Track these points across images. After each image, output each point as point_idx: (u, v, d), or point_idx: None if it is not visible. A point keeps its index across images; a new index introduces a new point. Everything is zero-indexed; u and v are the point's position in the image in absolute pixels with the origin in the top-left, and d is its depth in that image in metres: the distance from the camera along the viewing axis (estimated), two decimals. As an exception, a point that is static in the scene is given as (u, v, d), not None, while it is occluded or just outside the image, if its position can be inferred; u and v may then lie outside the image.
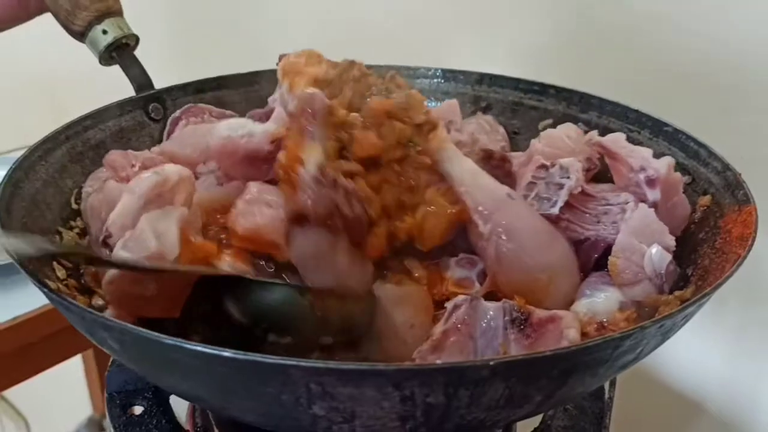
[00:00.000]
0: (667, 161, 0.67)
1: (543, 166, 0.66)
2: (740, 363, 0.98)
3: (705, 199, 0.69)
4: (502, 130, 0.87)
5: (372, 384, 0.44)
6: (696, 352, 1.00)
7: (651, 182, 0.66)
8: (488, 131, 0.84)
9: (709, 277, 0.61)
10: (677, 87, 0.94)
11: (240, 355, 0.43)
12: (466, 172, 0.64)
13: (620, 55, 0.98)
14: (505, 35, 1.11)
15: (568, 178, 0.65)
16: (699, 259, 0.65)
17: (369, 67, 0.92)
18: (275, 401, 0.47)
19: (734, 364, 0.99)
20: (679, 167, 0.74)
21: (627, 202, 0.65)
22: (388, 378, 0.43)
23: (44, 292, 0.53)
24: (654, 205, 0.65)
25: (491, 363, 0.43)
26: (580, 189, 0.65)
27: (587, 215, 0.65)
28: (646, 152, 0.68)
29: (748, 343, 0.97)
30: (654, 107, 0.80)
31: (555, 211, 0.65)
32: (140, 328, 0.46)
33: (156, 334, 0.45)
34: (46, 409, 1.95)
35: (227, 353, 0.43)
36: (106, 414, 0.70)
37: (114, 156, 0.73)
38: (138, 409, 0.70)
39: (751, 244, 0.57)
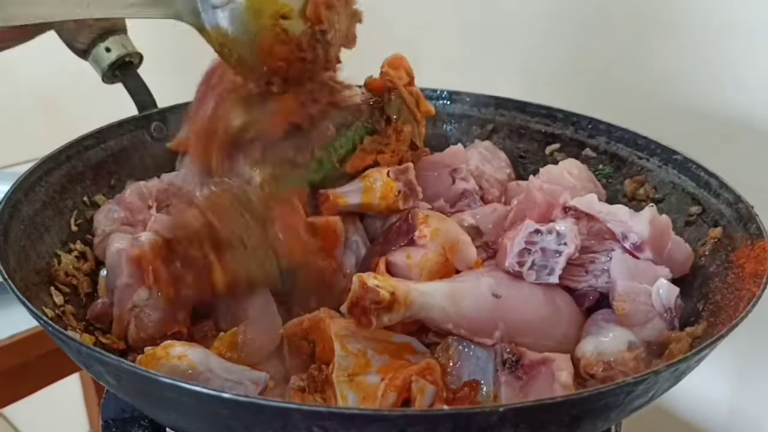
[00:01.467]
0: (647, 218, 0.65)
1: (536, 231, 0.63)
2: (746, 393, 0.97)
3: (716, 231, 0.68)
4: (503, 155, 0.85)
5: (376, 429, 0.42)
6: (702, 382, 0.99)
7: (637, 248, 0.64)
8: (490, 159, 0.82)
9: (721, 313, 0.59)
10: (686, 113, 0.92)
11: (241, 397, 0.42)
12: (443, 301, 0.59)
13: (629, 82, 0.97)
14: (513, 59, 1.10)
15: (566, 245, 0.62)
16: (710, 294, 0.64)
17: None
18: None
19: (740, 394, 0.97)
20: (689, 197, 0.73)
21: (612, 249, 0.64)
22: (392, 423, 0.42)
23: (41, 323, 0.52)
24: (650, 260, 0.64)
25: (500, 409, 0.41)
26: (577, 254, 0.63)
27: (575, 267, 0.64)
28: (623, 213, 0.65)
29: (755, 372, 0.96)
30: (663, 134, 0.79)
31: (554, 280, 0.62)
32: (136, 366, 0.45)
33: (153, 372, 0.44)
34: (43, 426, 1.93)
35: (227, 395, 0.42)
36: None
37: (130, 198, 0.73)
38: (134, 438, 0.68)
39: (766, 282, 0.56)
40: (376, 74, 0.75)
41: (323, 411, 0.42)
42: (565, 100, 0.86)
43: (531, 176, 0.76)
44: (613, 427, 0.72)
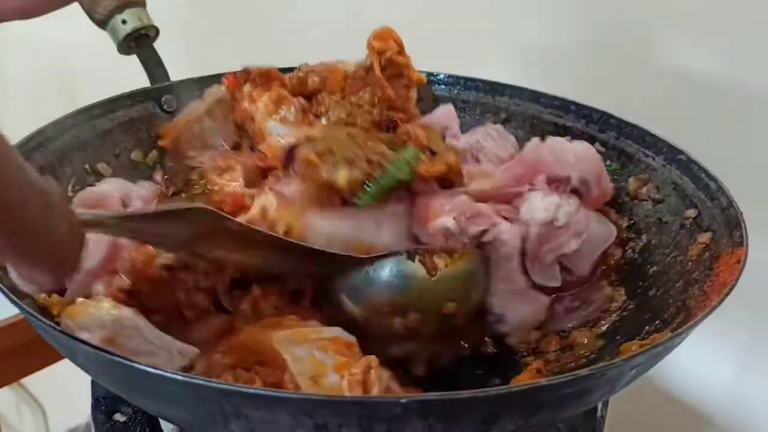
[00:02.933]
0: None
1: None
2: (749, 375, 0.93)
3: (705, 237, 0.66)
4: (512, 139, 0.84)
5: (284, 411, 0.42)
6: (703, 363, 0.95)
7: None
8: (495, 138, 0.82)
9: (688, 322, 0.57)
10: (688, 99, 0.89)
11: (149, 368, 0.43)
12: None
13: (633, 67, 0.93)
14: (515, 40, 1.07)
15: None
16: (687, 301, 0.61)
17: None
18: (204, 415, 0.46)
19: (742, 377, 0.93)
20: (687, 199, 0.71)
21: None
22: (296, 406, 0.42)
23: (17, 306, 0.52)
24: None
25: (402, 401, 0.41)
26: None
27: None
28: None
29: (758, 354, 0.91)
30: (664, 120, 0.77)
31: None
32: (104, 348, 0.45)
33: (112, 352, 0.44)
34: (62, 397, 2.00)
35: (138, 365, 0.43)
36: (91, 420, 0.69)
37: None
38: (122, 417, 0.69)
39: (727, 293, 0.53)
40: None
41: (227, 389, 0.42)
42: (572, 91, 0.84)
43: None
44: (599, 412, 0.70)
